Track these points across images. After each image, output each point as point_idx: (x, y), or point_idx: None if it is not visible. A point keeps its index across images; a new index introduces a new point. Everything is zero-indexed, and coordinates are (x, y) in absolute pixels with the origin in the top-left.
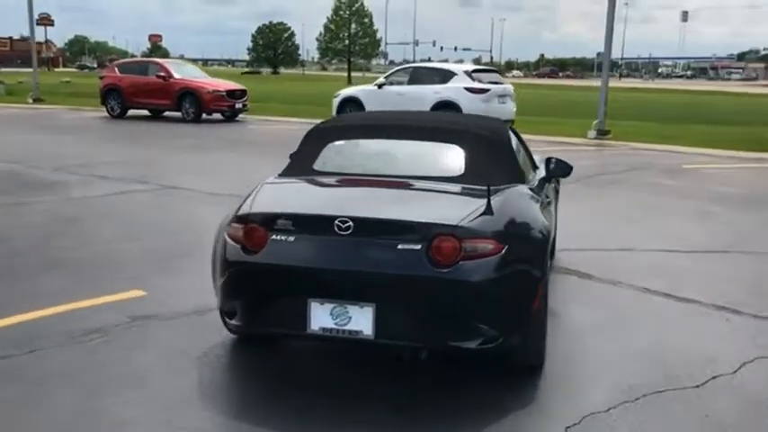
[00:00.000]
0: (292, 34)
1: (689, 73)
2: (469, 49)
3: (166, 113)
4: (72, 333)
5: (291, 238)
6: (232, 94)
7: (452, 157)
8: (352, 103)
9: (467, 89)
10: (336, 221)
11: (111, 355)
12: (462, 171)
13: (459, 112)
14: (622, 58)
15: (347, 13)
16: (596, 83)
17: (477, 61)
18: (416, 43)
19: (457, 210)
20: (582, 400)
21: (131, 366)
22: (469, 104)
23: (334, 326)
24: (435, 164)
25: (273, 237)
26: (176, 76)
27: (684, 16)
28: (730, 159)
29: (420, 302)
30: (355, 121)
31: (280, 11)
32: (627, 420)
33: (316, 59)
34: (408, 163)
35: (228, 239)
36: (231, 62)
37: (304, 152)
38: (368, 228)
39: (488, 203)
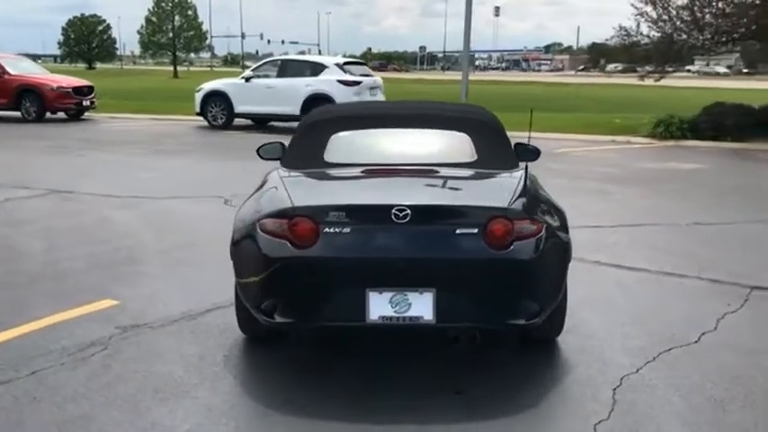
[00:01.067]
0: (108, 27)
1: (504, 65)
2: (297, 43)
3: (2, 113)
4: (67, 349)
5: (347, 230)
6: (79, 90)
7: (462, 144)
8: (217, 98)
9: (340, 81)
10: (393, 210)
11: (126, 368)
12: (475, 157)
13: (331, 103)
14: (444, 52)
15: (170, 4)
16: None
17: (302, 54)
18: (243, 36)
19: (500, 193)
20: (610, 366)
21: (159, 377)
22: (343, 97)
23: (394, 314)
24: (448, 151)
25: (327, 230)
26: (12, 72)
27: (497, 11)
28: (591, 143)
29: (479, 284)
30: (354, 111)
31: (89, 3)
32: (658, 376)
33: (135, 54)
34: (421, 151)
35: (266, 236)
36: (36, 57)
37: (305, 144)
38: (425, 215)
39: (525, 186)
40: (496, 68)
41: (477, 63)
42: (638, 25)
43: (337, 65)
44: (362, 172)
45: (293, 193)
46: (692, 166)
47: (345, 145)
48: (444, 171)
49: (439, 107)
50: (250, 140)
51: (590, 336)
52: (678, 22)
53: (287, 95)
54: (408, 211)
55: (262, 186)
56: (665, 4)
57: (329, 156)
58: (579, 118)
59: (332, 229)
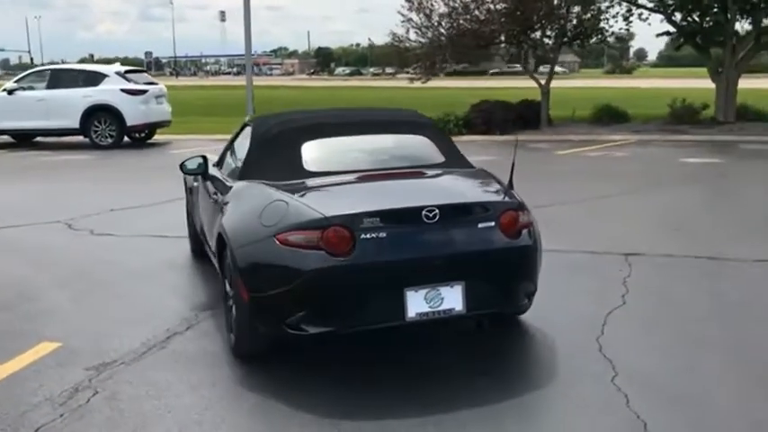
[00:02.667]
0: None
1: (235, 70)
2: (3, 50)
3: None
4: (53, 399)
5: (382, 234)
6: None
7: (426, 146)
8: None
9: (124, 91)
10: (424, 211)
11: (144, 406)
12: (443, 158)
13: (116, 114)
14: (175, 57)
15: None
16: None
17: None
18: None
19: (499, 189)
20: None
21: (190, 409)
22: (129, 107)
23: (429, 309)
24: (419, 154)
25: (363, 236)
26: None
27: (222, 16)
28: None
29: (500, 272)
30: (314, 119)
31: None
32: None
33: None
34: (396, 154)
35: (292, 248)
36: None
37: (273, 155)
38: (451, 213)
39: (510, 182)
40: (228, 73)
41: (207, 68)
42: (408, 31)
43: (118, 73)
44: (358, 178)
45: (316, 205)
46: (484, 158)
47: (322, 154)
48: (430, 172)
49: (388, 114)
50: (28, 160)
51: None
52: (441, 29)
53: (62, 108)
54: (437, 211)
55: (235, 201)
56: (428, 12)
57: (310, 165)
58: None
59: (368, 235)
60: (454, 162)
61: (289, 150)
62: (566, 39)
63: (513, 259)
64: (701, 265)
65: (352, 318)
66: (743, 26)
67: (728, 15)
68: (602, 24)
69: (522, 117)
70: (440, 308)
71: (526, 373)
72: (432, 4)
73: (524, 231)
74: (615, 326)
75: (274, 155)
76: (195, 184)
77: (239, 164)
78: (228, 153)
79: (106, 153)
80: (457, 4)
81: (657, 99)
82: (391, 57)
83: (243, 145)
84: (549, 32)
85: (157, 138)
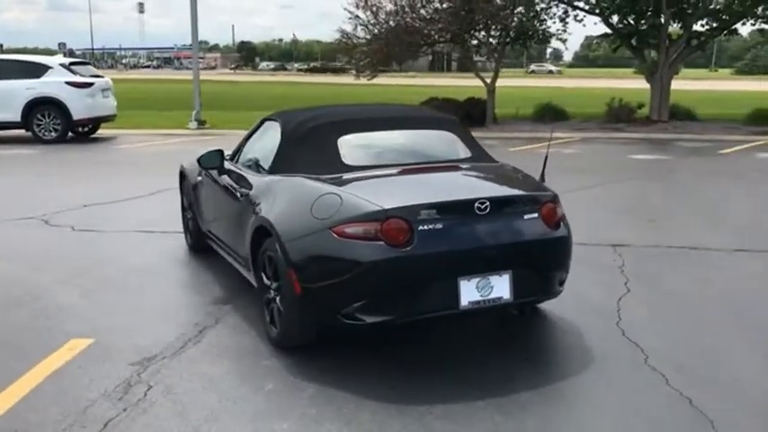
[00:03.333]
0: None
1: (155, 63)
2: None
3: None
4: (109, 396)
5: (438, 226)
6: None
7: (454, 141)
8: None
9: (69, 83)
10: (476, 203)
11: (210, 397)
12: (470, 153)
13: (62, 108)
14: (92, 49)
15: None
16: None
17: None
18: None
19: (530, 182)
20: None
21: (258, 401)
22: (74, 100)
23: (480, 297)
24: (449, 148)
25: (421, 227)
26: None
27: (141, 8)
28: None
29: (543, 260)
30: (344, 115)
31: None
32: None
33: None
34: (430, 150)
35: (350, 240)
36: None
37: (308, 150)
38: (500, 205)
39: (542, 175)
40: (147, 66)
41: (125, 61)
42: (356, 28)
43: (63, 65)
44: (400, 172)
45: (371, 197)
46: None
47: (357, 148)
48: (465, 166)
49: (413, 110)
50: None
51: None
52: (389, 27)
53: (2, 100)
54: (488, 203)
55: (274, 195)
56: (375, 10)
57: (348, 159)
58: None
59: (425, 227)
60: (480, 156)
61: (325, 145)
62: (508, 39)
63: (554, 248)
64: (687, 255)
65: (409, 307)
66: (675, 29)
67: (662, 19)
68: (542, 25)
69: (470, 115)
70: (490, 296)
71: (564, 358)
72: (379, 1)
73: (561, 222)
74: (629, 312)
75: (310, 149)
76: (199, 178)
77: (267, 158)
78: (246, 148)
79: (51, 148)
80: (404, 2)
81: (587, 98)
82: (339, 52)
83: (268, 140)
84: (493, 32)
85: (101, 132)
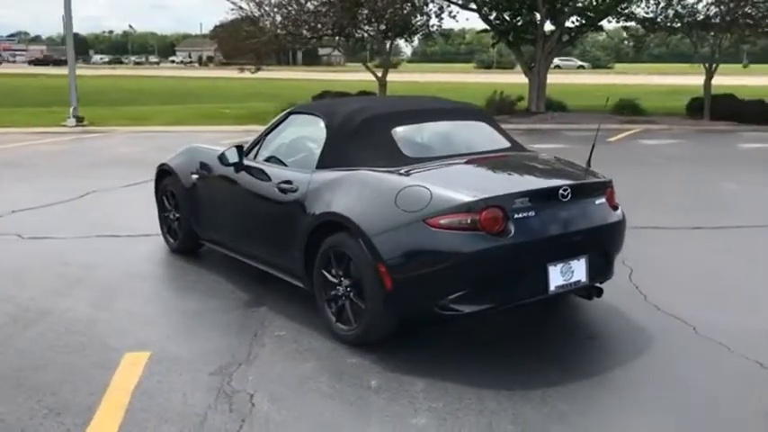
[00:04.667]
0: None
1: None
2: None
3: None
4: (216, 407)
5: (531, 213)
6: None
7: (493, 132)
8: None
9: None
10: (560, 190)
11: (320, 403)
12: (508, 143)
13: None
14: None
15: None
16: None
17: None
18: None
19: (583, 168)
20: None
21: (368, 398)
22: None
23: (564, 282)
24: (492, 138)
25: (516, 216)
26: None
27: None
28: (242, 133)
29: (611, 243)
30: (388, 107)
31: None
32: None
33: None
34: (478, 140)
35: (446, 231)
36: None
37: (361, 143)
38: (578, 192)
39: (589, 162)
40: None
41: None
42: (243, 19)
43: None
44: (466, 162)
45: (462, 187)
46: None
47: (411, 140)
48: (517, 155)
49: (442, 102)
50: None
51: None
52: (276, 20)
53: None
54: (570, 190)
55: (337, 189)
56: (259, 2)
57: (407, 151)
58: (193, 109)
59: (519, 215)
60: (517, 146)
61: (380, 137)
62: (390, 33)
63: (619, 230)
64: (644, 233)
65: (507, 295)
66: (548, 26)
67: (538, 17)
68: (418, 20)
69: None
70: (571, 280)
71: (623, 334)
72: None
73: (619, 206)
74: (649, 288)
75: (365, 142)
76: (195, 178)
77: (308, 153)
78: (270, 143)
79: None
80: None
81: (462, 92)
82: (225, 45)
83: (304, 134)
84: (380, 27)
85: None
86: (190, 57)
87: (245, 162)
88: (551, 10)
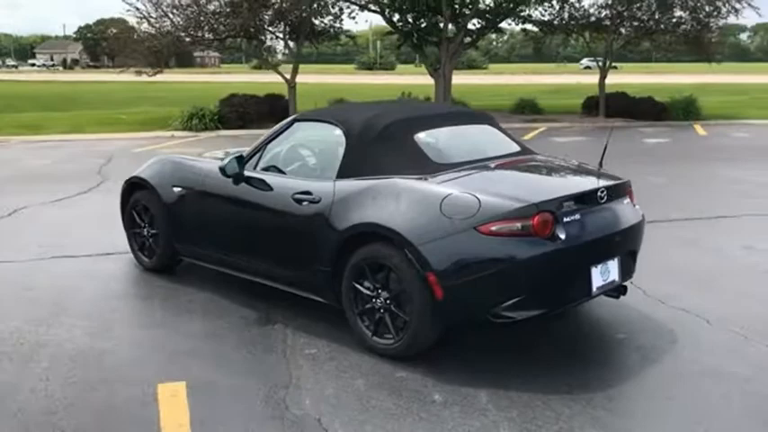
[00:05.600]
0: None
1: None
2: None
3: None
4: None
5: (576, 216)
6: None
7: (500, 136)
8: None
9: None
10: (598, 192)
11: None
12: (518, 146)
13: None
14: None
15: None
16: None
17: None
18: None
19: (597, 169)
20: None
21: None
22: None
23: (603, 282)
24: (504, 143)
25: (565, 219)
26: None
27: None
28: (151, 140)
29: (637, 241)
30: (405, 113)
31: None
32: None
33: None
34: (487, 145)
35: (503, 237)
36: None
37: (385, 151)
38: (611, 193)
39: (601, 163)
40: None
41: None
42: (141, 21)
43: None
44: (497, 167)
45: (511, 193)
46: None
47: (433, 146)
48: (536, 158)
49: (449, 106)
50: None
51: None
52: (176, 20)
53: None
54: (606, 192)
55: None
56: (157, 2)
57: (435, 157)
58: (88, 115)
59: (567, 219)
60: (527, 149)
61: (404, 144)
62: (293, 35)
63: (641, 229)
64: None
65: (559, 299)
66: (450, 28)
67: (442, 19)
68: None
69: (272, 111)
70: (608, 280)
71: (649, 331)
72: None
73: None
74: (662, 283)
75: (390, 149)
76: (177, 190)
77: (323, 162)
78: (275, 152)
79: None
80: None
81: (374, 92)
82: (121, 46)
83: (316, 142)
84: (285, 29)
85: None
86: (52, 60)
87: (248, 173)
88: (454, 13)
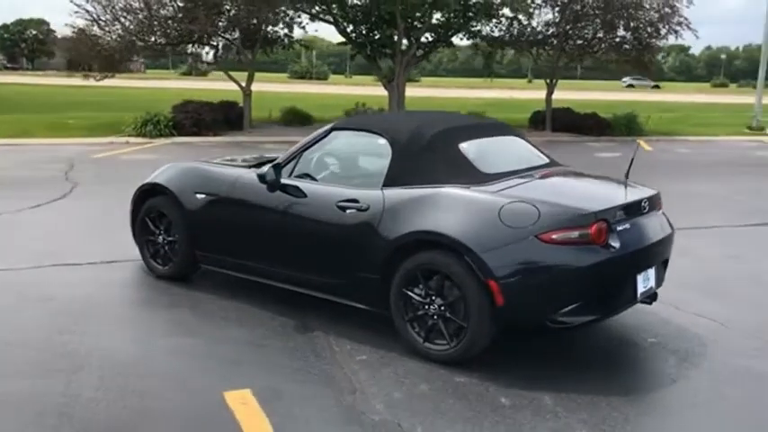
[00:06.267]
0: None
1: None
2: None
3: None
4: None
5: (627, 225)
6: None
7: (530, 147)
8: None
9: None
10: (642, 203)
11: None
12: (547, 158)
13: None
14: None
15: None
16: None
17: None
18: None
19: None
20: None
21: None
22: None
23: (644, 289)
24: (533, 154)
25: (618, 228)
26: None
27: None
28: (103, 145)
29: (669, 251)
30: (447, 123)
31: None
32: None
33: None
34: (524, 155)
35: (563, 246)
36: None
37: (432, 161)
38: (649, 204)
39: (627, 174)
40: None
41: None
42: (93, 24)
43: None
44: (541, 177)
45: (568, 202)
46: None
47: (478, 155)
48: (561, 169)
49: (478, 117)
50: None
51: None
52: (128, 24)
53: None
54: (648, 202)
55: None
56: (108, 6)
57: (482, 167)
58: (34, 119)
59: (620, 227)
60: (555, 161)
61: (452, 154)
62: (249, 43)
63: (673, 239)
64: None
65: (610, 305)
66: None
67: (396, 33)
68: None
69: (228, 118)
70: (647, 287)
71: (678, 335)
72: None
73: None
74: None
75: (436, 159)
76: (201, 197)
77: (368, 171)
78: (314, 161)
79: None
80: (136, 3)
81: (296, 101)
82: (77, 49)
83: (358, 151)
84: (236, 35)
85: None
86: None
87: (285, 180)
88: (408, 27)
